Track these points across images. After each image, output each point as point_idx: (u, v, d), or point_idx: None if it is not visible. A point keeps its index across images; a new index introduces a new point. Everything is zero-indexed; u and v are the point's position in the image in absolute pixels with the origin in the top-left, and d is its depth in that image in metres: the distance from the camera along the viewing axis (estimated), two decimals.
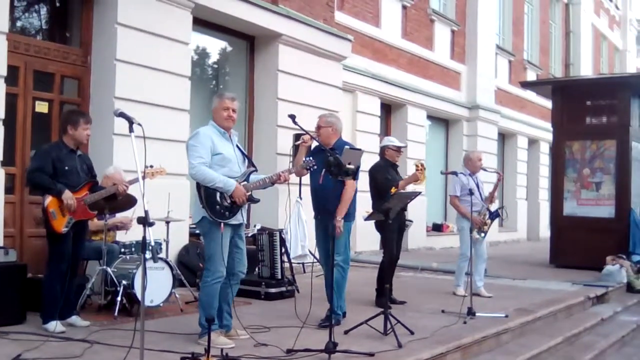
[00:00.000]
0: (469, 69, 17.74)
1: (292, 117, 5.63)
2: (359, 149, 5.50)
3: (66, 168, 5.66)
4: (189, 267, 8.09)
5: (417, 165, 7.21)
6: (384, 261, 7.43)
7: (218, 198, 5.19)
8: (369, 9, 14.03)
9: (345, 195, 6.06)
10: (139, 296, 6.08)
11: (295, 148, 6.03)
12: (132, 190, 6.07)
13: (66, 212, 5.59)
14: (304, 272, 9.31)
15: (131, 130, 3.96)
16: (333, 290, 5.54)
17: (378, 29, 14.32)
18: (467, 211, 7.86)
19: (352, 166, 5.08)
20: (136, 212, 6.66)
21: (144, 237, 3.63)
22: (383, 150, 7.66)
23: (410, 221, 7.35)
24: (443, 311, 7.00)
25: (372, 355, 4.97)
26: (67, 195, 5.57)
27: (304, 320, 5.59)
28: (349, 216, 6.19)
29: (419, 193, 6.60)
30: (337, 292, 6.15)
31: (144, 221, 3.63)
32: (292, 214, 7.63)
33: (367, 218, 6.47)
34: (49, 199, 5.57)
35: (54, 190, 5.56)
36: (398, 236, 7.50)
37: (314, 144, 6.19)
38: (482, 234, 8.06)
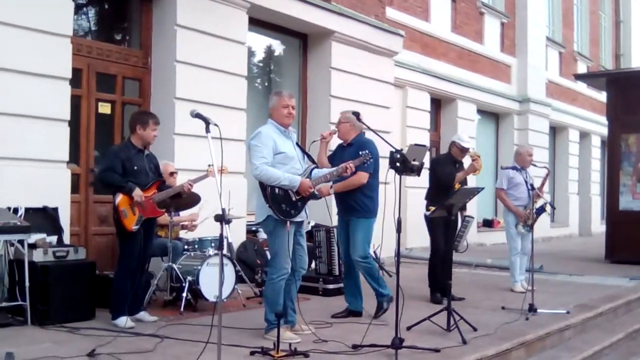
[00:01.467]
0: (519, 62, 17.50)
1: (357, 114, 5.69)
2: (424, 146, 5.51)
3: (135, 168, 5.77)
4: (247, 264, 8.21)
5: (472, 156, 7.21)
6: (431, 257, 7.50)
7: (284, 197, 5.21)
8: (418, 4, 13.96)
9: (352, 180, 6.05)
10: (204, 292, 6.24)
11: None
12: (199, 189, 6.21)
13: (136, 210, 5.71)
14: None
15: (208, 130, 4.05)
16: (377, 282, 5.61)
17: (428, 23, 14.24)
18: (513, 205, 8.12)
19: (417, 162, 5.09)
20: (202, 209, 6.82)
21: (221, 234, 3.72)
22: (451, 145, 7.68)
23: (472, 217, 7.30)
24: (503, 307, 6.96)
25: (438, 351, 4.98)
26: (138, 193, 5.68)
27: (370, 315, 5.65)
28: (370, 213, 6.21)
29: (482, 189, 6.59)
30: (374, 280, 6.27)
31: (222, 219, 3.72)
32: None
33: (431, 214, 6.49)
34: (119, 198, 5.68)
35: (125, 188, 5.67)
36: (447, 232, 7.32)
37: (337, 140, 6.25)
38: (527, 228, 8.02)
